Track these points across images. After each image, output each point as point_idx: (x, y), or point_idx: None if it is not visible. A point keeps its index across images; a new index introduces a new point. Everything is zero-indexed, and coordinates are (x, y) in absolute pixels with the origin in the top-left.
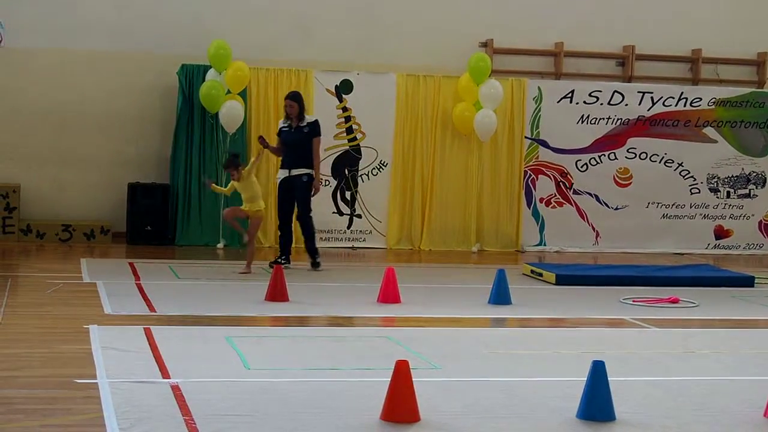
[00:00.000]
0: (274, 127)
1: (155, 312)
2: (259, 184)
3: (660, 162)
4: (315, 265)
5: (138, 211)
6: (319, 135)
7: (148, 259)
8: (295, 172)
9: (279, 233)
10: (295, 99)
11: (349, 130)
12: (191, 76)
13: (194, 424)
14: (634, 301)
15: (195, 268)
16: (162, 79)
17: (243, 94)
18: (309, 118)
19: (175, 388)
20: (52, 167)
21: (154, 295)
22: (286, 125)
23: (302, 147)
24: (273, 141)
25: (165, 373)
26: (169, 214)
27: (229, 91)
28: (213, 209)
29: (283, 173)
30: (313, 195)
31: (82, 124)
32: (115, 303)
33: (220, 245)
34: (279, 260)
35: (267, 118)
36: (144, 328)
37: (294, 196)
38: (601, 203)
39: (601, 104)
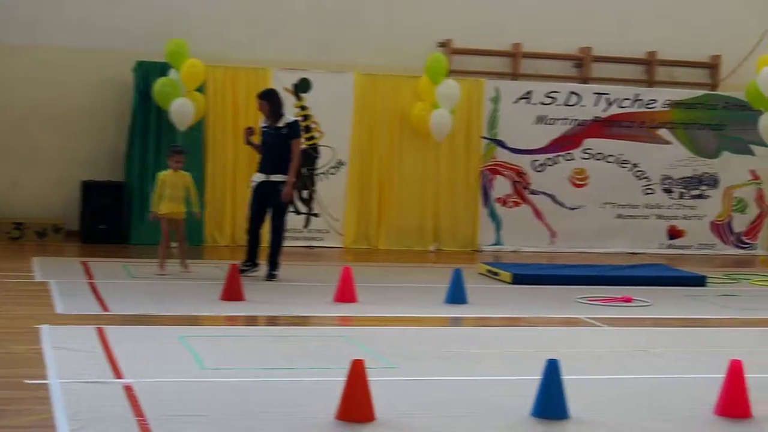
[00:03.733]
0: (231, 126)
1: (108, 311)
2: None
3: (615, 163)
4: (271, 276)
5: (92, 209)
6: (299, 137)
7: (102, 257)
8: (274, 178)
9: (247, 237)
10: (263, 97)
11: (307, 129)
12: (147, 73)
13: (147, 424)
14: (589, 300)
15: (149, 267)
16: (118, 76)
17: (200, 92)
18: (288, 118)
19: (128, 389)
20: (4, 164)
21: (108, 294)
22: (266, 125)
23: (280, 150)
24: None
25: (118, 374)
26: (124, 212)
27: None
28: None
29: (260, 177)
30: (283, 200)
31: (35, 121)
32: (68, 302)
33: (175, 244)
34: (244, 266)
35: (224, 116)
36: (97, 328)
37: (268, 203)
38: (557, 203)
39: (558, 105)
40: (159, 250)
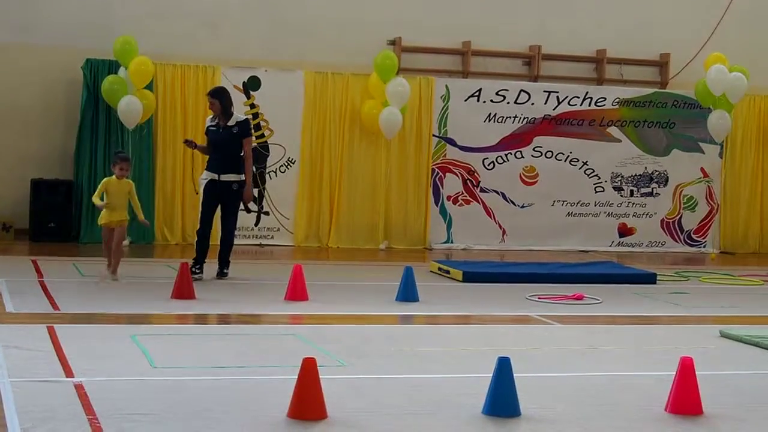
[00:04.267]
0: (181, 124)
1: (59, 310)
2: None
3: (565, 161)
4: (223, 275)
5: (41, 208)
6: (250, 135)
7: (52, 256)
8: (225, 177)
9: (197, 239)
10: (215, 96)
11: (257, 127)
12: (96, 70)
13: (98, 423)
14: (539, 298)
15: (100, 265)
16: (66, 74)
17: (150, 91)
18: (238, 116)
19: (79, 387)
20: None
21: (58, 293)
22: (213, 124)
23: (231, 149)
24: (202, 140)
25: (69, 372)
26: (73, 210)
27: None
28: None
29: (209, 176)
30: (244, 205)
31: None
32: (18, 301)
33: (125, 242)
34: (194, 269)
35: (174, 114)
36: (47, 327)
37: (219, 203)
38: (507, 201)
39: (508, 103)
40: (106, 256)
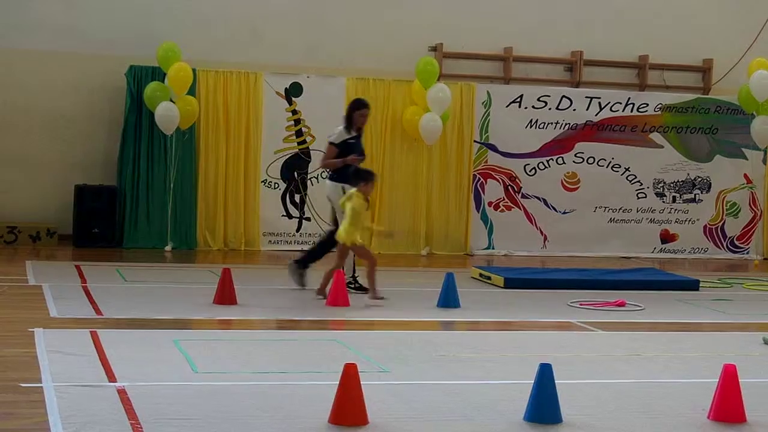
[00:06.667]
0: (223, 130)
1: (102, 315)
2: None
3: (607, 167)
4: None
5: (85, 213)
6: None
7: (95, 261)
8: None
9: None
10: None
11: (299, 133)
12: (139, 77)
13: (141, 428)
14: (581, 304)
15: (142, 270)
16: (110, 80)
17: (193, 96)
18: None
19: (122, 392)
20: None
21: (101, 298)
22: (352, 136)
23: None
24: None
25: (111, 377)
26: (117, 216)
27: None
28: (161, 212)
29: (346, 187)
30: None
31: (28, 125)
32: (61, 306)
33: (167, 248)
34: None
35: (216, 120)
36: (90, 332)
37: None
38: (549, 207)
39: (550, 109)
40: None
